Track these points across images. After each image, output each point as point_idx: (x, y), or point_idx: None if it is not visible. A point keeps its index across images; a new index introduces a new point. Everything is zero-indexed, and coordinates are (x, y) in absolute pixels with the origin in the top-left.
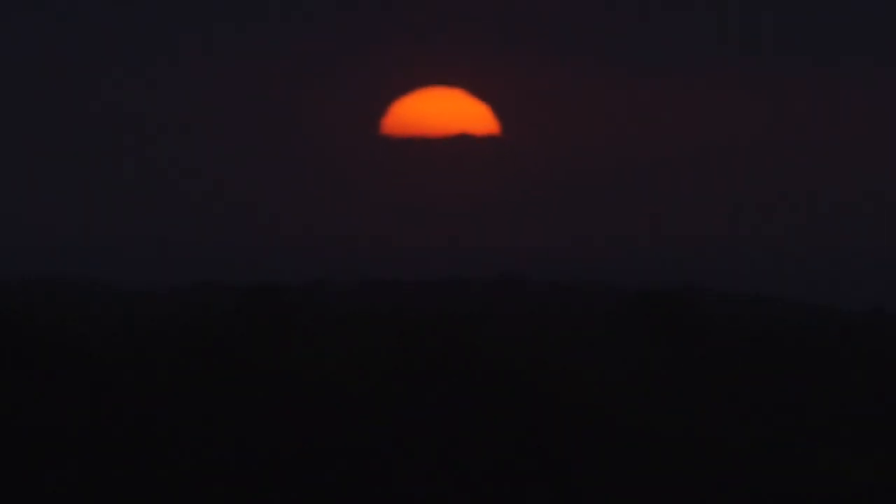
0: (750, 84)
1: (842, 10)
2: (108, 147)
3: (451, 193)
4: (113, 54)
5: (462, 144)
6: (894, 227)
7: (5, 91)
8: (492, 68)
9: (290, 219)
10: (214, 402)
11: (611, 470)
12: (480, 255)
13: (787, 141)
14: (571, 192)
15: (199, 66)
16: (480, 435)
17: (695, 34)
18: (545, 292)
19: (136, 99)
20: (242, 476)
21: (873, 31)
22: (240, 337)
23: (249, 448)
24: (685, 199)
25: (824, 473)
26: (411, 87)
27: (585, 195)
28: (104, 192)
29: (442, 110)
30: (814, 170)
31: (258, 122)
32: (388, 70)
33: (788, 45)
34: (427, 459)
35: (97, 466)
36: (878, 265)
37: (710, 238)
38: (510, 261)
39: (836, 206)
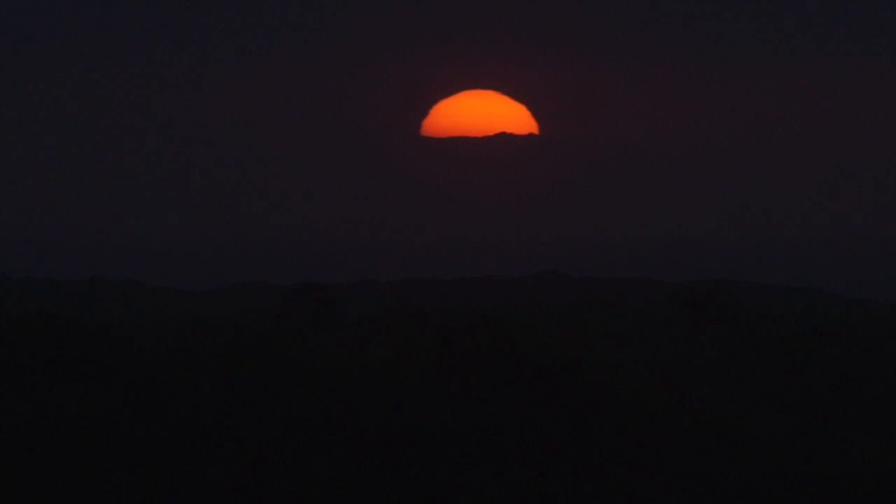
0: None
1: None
2: (129, 148)
3: (493, 191)
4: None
5: (503, 143)
6: None
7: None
8: (525, 70)
9: (333, 220)
10: (261, 398)
11: (649, 459)
12: (522, 251)
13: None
14: (609, 188)
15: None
16: (521, 429)
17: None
18: (584, 285)
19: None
20: (288, 468)
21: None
22: (285, 334)
23: (294, 442)
24: (722, 193)
25: (858, 461)
26: (449, 91)
27: (623, 190)
28: (131, 192)
29: (481, 112)
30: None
31: (314, 128)
32: (426, 75)
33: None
34: (468, 452)
35: (147, 462)
36: None
37: (745, 230)
38: (550, 255)
39: (865, 198)
